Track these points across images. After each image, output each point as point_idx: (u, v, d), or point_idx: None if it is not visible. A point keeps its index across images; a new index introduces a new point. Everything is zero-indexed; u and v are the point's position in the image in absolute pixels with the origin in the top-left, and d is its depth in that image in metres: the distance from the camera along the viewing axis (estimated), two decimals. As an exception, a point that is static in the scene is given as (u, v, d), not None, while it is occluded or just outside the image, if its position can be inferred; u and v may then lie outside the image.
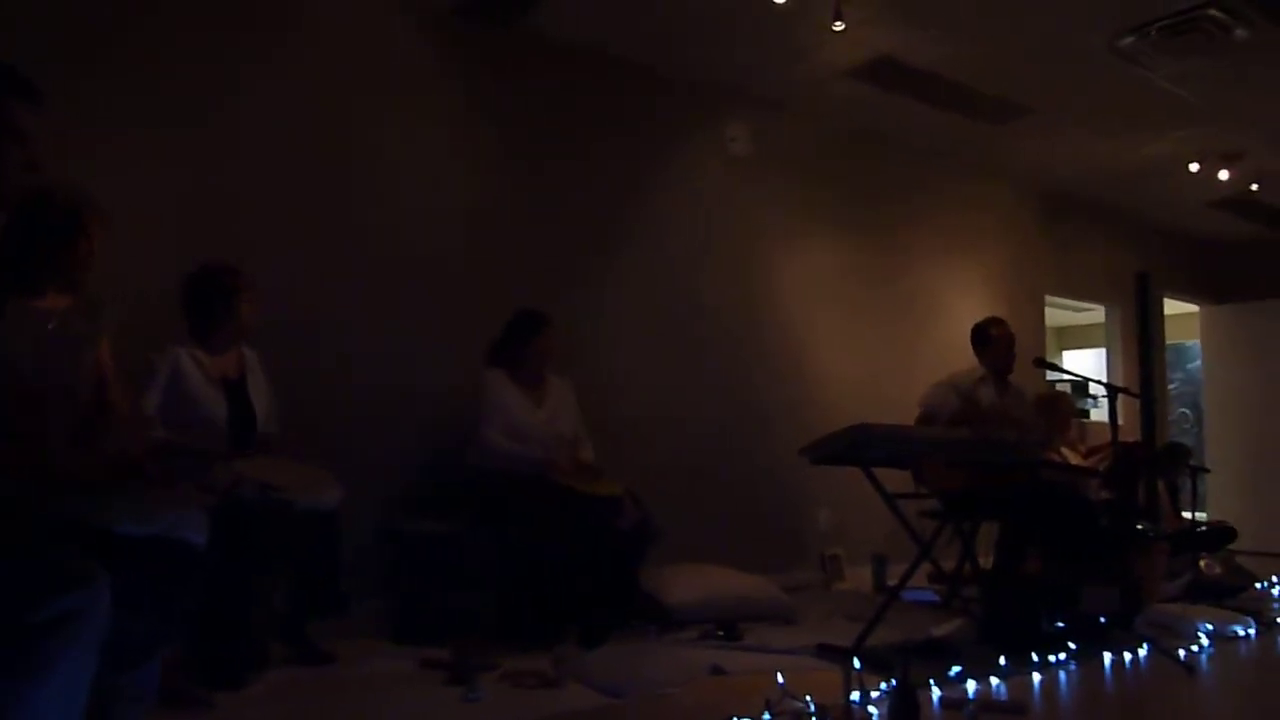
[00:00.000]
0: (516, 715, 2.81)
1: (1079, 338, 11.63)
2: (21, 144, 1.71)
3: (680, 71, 5.20)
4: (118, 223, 3.30)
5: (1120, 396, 4.38)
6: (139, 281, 3.45)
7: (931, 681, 3.16)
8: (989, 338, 4.91)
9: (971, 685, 3.22)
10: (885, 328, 6.22)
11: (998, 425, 4.44)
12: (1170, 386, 9.26)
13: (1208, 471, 6.41)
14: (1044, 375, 5.14)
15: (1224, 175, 6.33)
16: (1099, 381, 4.41)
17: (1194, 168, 6.28)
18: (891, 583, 4.98)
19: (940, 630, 4.07)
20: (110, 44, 3.65)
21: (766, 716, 2.66)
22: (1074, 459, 4.83)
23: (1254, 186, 6.59)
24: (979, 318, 5.56)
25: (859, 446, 3.65)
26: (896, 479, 4.15)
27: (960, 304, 6.59)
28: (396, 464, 4.12)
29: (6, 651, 1.40)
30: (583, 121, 4.96)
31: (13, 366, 2.14)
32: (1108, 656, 3.72)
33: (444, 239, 4.43)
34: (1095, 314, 8.47)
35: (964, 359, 5.17)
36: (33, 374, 2.19)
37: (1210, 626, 4.24)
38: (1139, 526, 4.74)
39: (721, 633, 3.95)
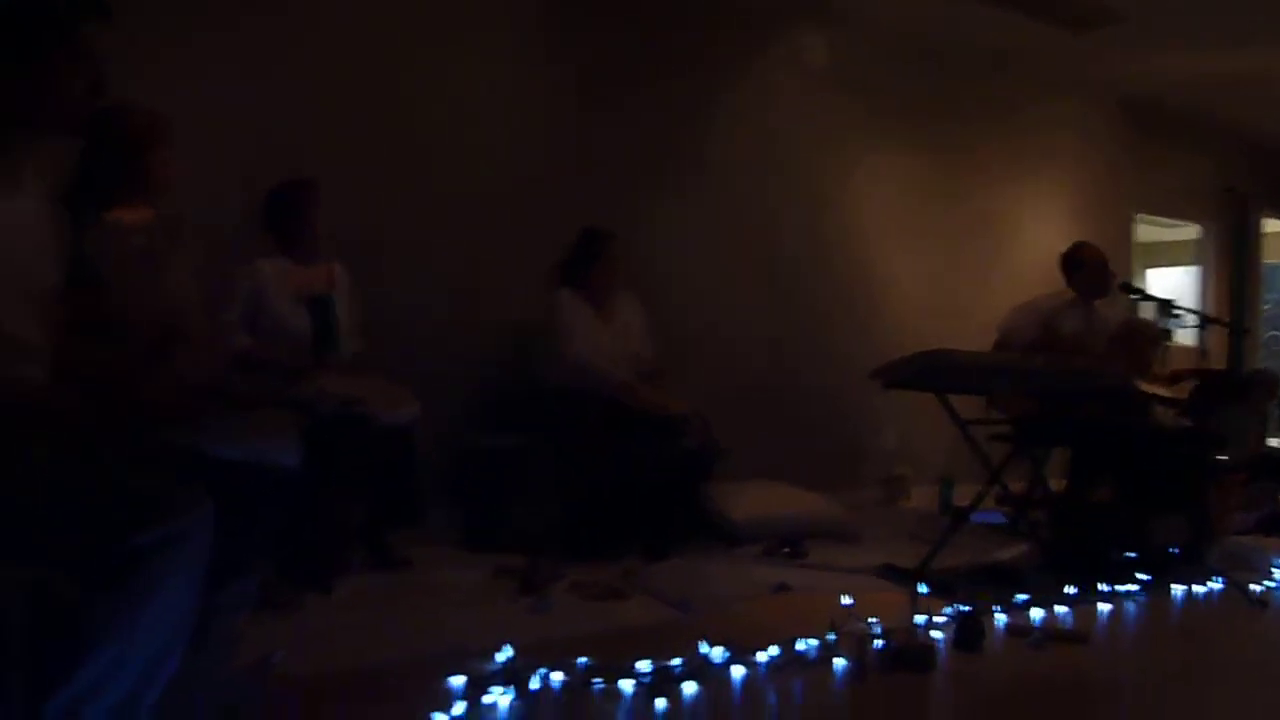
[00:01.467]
0: (587, 626, 2.92)
1: (1167, 254, 11.18)
2: (91, 66, 1.72)
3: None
4: (195, 140, 3.43)
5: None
6: (217, 198, 3.56)
7: (996, 607, 3.20)
8: (1080, 261, 4.78)
9: (1036, 612, 3.25)
10: (958, 248, 6.09)
11: (1075, 355, 4.36)
12: (1264, 307, 8.92)
13: (1293, 403, 6.20)
14: (1129, 300, 4.99)
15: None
16: (1189, 310, 4.27)
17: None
18: (958, 503, 5.00)
19: (1006, 555, 4.09)
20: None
21: (831, 636, 2.73)
22: (1151, 387, 4.72)
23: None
24: (1061, 239, 5.42)
25: (932, 372, 3.64)
26: (966, 400, 4.13)
27: (1039, 224, 6.42)
28: (467, 380, 4.22)
29: (117, 573, 1.49)
30: (652, 41, 4.87)
31: (99, 279, 2.23)
32: (1177, 589, 3.72)
33: (513, 160, 4.44)
34: (1185, 230, 8.16)
35: (1041, 281, 5.06)
36: (118, 288, 2.28)
37: (1285, 560, 4.19)
38: (1216, 456, 4.65)
39: (786, 549, 4.02)
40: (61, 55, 1.68)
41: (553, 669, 2.38)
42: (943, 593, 3.27)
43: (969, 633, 2.88)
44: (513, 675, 2.34)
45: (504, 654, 2.41)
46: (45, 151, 1.85)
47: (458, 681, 2.33)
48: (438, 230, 4.20)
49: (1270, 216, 8.15)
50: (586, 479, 3.89)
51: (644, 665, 2.45)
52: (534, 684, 2.35)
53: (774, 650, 2.63)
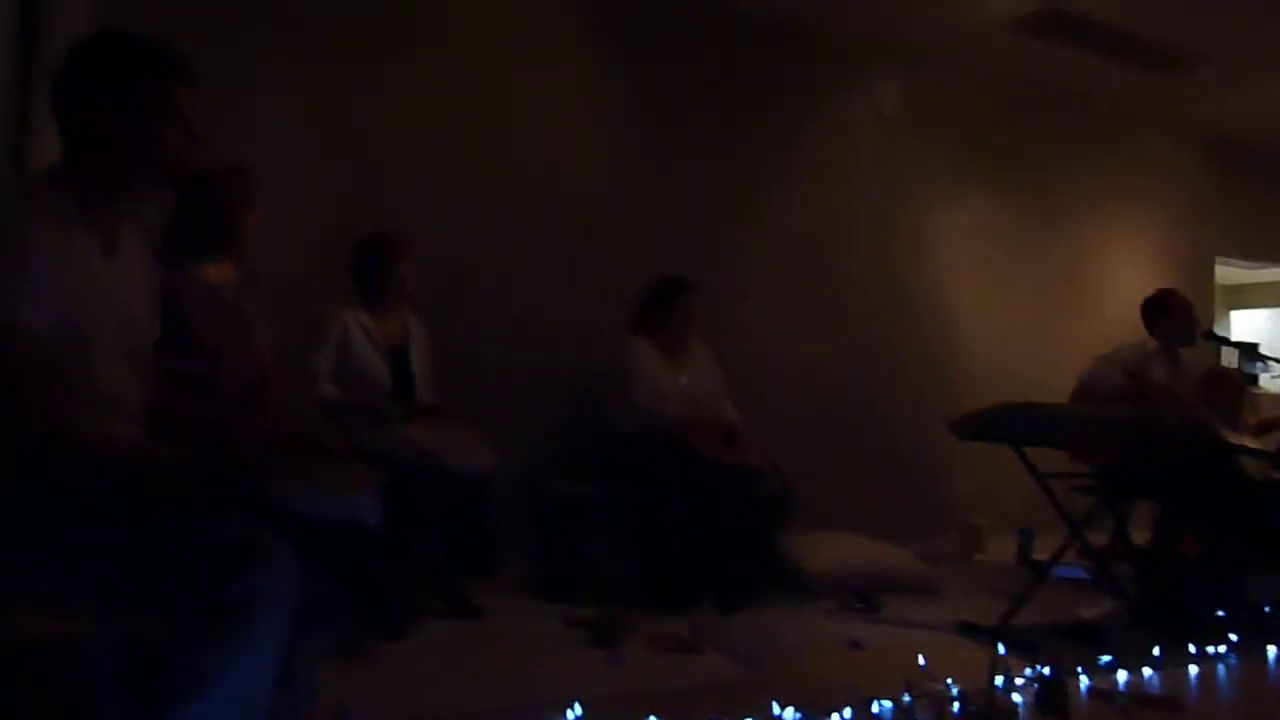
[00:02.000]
0: (658, 681, 2.89)
1: (1253, 296, 10.84)
2: (181, 123, 1.78)
3: (829, 26, 5.05)
4: (281, 194, 3.54)
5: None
6: (302, 251, 3.67)
7: (1080, 669, 3.09)
8: (1165, 308, 4.63)
9: (1123, 675, 3.13)
10: (1039, 293, 5.97)
11: (1164, 405, 4.22)
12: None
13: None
14: (1214, 349, 4.83)
15: None
16: (1273, 358, 4.12)
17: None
18: (1036, 555, 4.85)
19: (1090, 612, 3.95)
20: (262, 14, 3.80)
21: (906, 698, 2.66)
22: (1238, 438, 4.54)
23: None
24: (1142, 284, 5.28)
25: (1009, 423, 3.55)
26: (1045, 451, 4.02)
27: (1123, 269, 6.27)
28: (541, 426, 4.25)
29: (209, 623, 1.53)
30: (729, 82, 4.90)
31: (192, 334, 2.30)
32: (1272, 650, 3.54)
33: (590, 205, 4.49)
34: (1270, 271, 7.89)
35: (1124, 328, 4.91)
36: (212, 340, 2.36)
37: (1390, 622, 3.97)
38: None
39: (860, 604, 3.94)
40: (157, 112, 1.75)
41: (623, 726, 2.36)
42: (1024, 652, 3.16)
43: (1053, 696, 2.77)
44: (584, 732, 2.33)
45: (574, 710, 2.40)
46: (142, 208, 1.93)
47: (529, 738, 2.32)
48: (513, 276, 4.27)
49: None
50: (659, 528, 3.87)
51: (715, 725, 2.41)
52: (605, 742, 2.33)
53: (847, 712, 2.57)
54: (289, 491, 1.76)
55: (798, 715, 2.52)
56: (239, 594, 1.53)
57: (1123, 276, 6.17)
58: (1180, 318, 4.59)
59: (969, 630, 3.61)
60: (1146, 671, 3.19)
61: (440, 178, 4.13)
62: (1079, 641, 3.44)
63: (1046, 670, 2.83)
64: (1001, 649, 2.88)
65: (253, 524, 1.62)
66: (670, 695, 2.73)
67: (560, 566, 3.98)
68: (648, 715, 2.43)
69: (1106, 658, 3.21)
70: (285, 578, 1.58)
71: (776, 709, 2.52)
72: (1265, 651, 3.52)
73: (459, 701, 2.61)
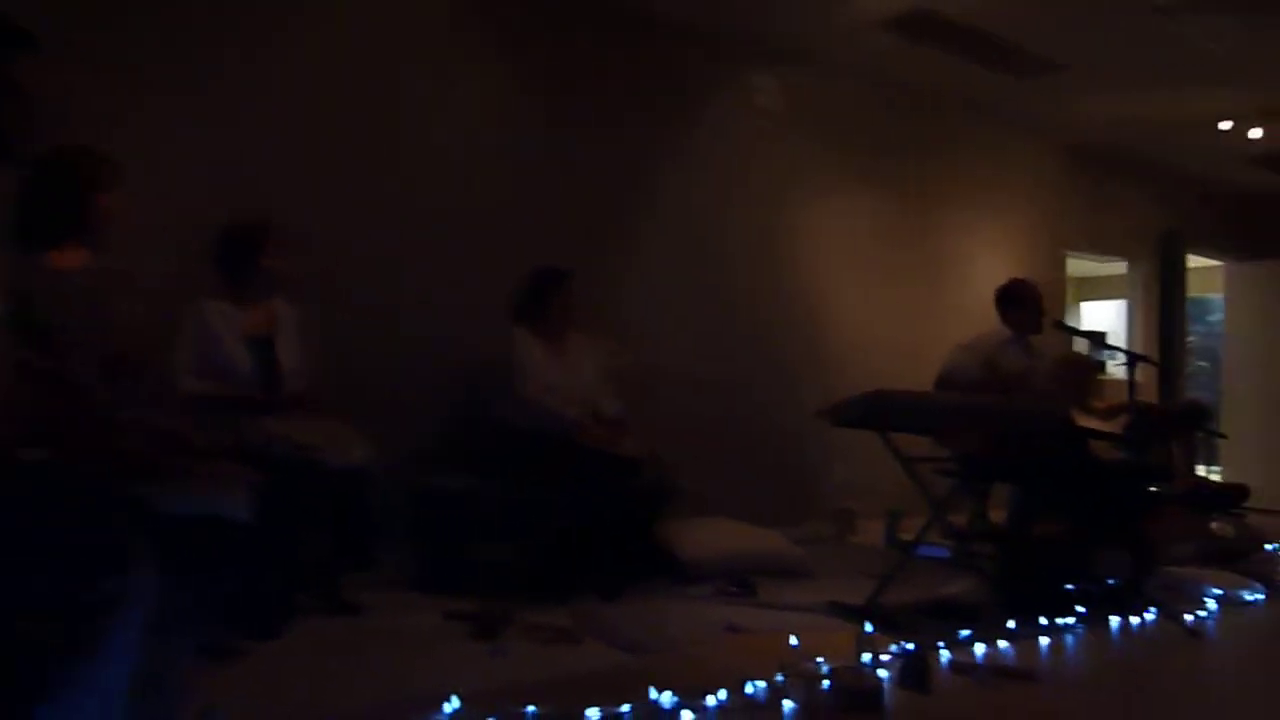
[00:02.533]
0: (538, 671, 2.88)
1: (1099, 289, 11.53)
2: (18, 96, 1.68)
3: (710, 24, 5.11)
4: (154, 180, 3.39)
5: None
6: (171, 237, 3.51)
7: (942, 644, 3.23)
8: (1018, 299, 4.86)
9: (981, 648, 3.29)
10: (910, 285, 6.19)
11: (1017, 392, 4.44)
12: (1189, 339, 9.21)
13: (1224, 437, 6.40)
14: (1065, 338, 5.11)
15: (1256, 133, 6.22)
16: (1119, 349, 4.39)
17: (1225, 125, 6.16)
18: (903, 536, 5.06)
19: (951, 589, 4.13)
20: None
21: (780, 678, 2.73)
22: (1090, 422, 4.83)
23: (1287, 145, 6.47)
24: (1003, 275, 5.52)
25: (877, 412, 3.68)
26: (913, 438, 4.18)
27: (985, 261, 6.55)
28: (420, 419, 4.18)
29: (60, 630, 1.46)
30: (614, 76, 4.90)
31: (43, 323, 2.18)
32: (1116, 620, 3.78)
33: (476, 195, 4.43)
34: (1116, 265, 8.40)
35: (984, 318, 5.15)
36: (62, 330, 2.23)
37: (1219, 591, 4.30)
38: (1152, 489, 4.77)
39: (736, 588, 4.02)
40: None
41: (500, 719, 2.35)
42: (889, 629, 3.29)
43: (915, 671, 2.90)
44: (462, 727, 2.32)
45: (451, 704, 2.38)
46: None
47: (406, 734, 2.29)
48: (397, 266, 4.17)
49: (1195, 253, 8.42)
50: (540, 520, 3.87)
51: (593, 713, 2.43)
52: (483, 735, 2.32)
53: (723, 694, 2.62)
54: (153, 489, 1.69)
55: (675, 700, 2.56)
56: (95, 597, 1.47)
57: (983, 268, 6.46)
58: (1029, 306, 4.83)
59: (839, 610, 3.73)
60: (1003, 644, 3.37)
61: (323, 165, 4.00)
62: (941, 618, 3.59)
63: (910, 646, 2.96)
64: (869, 627, 2.99)
65: (110, 525, 1.56)
66: (550, 685, 2.73)
67: (440, 560, 3.93)
68: (527, 706, 2.43)
69: (966, 632, 3.38)
70: (144, 579, 1.53)
71: (655, 694, 2.55)
72: (1109, 622, 3.77)
73: (335, 700, 2.56)
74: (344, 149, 4.06)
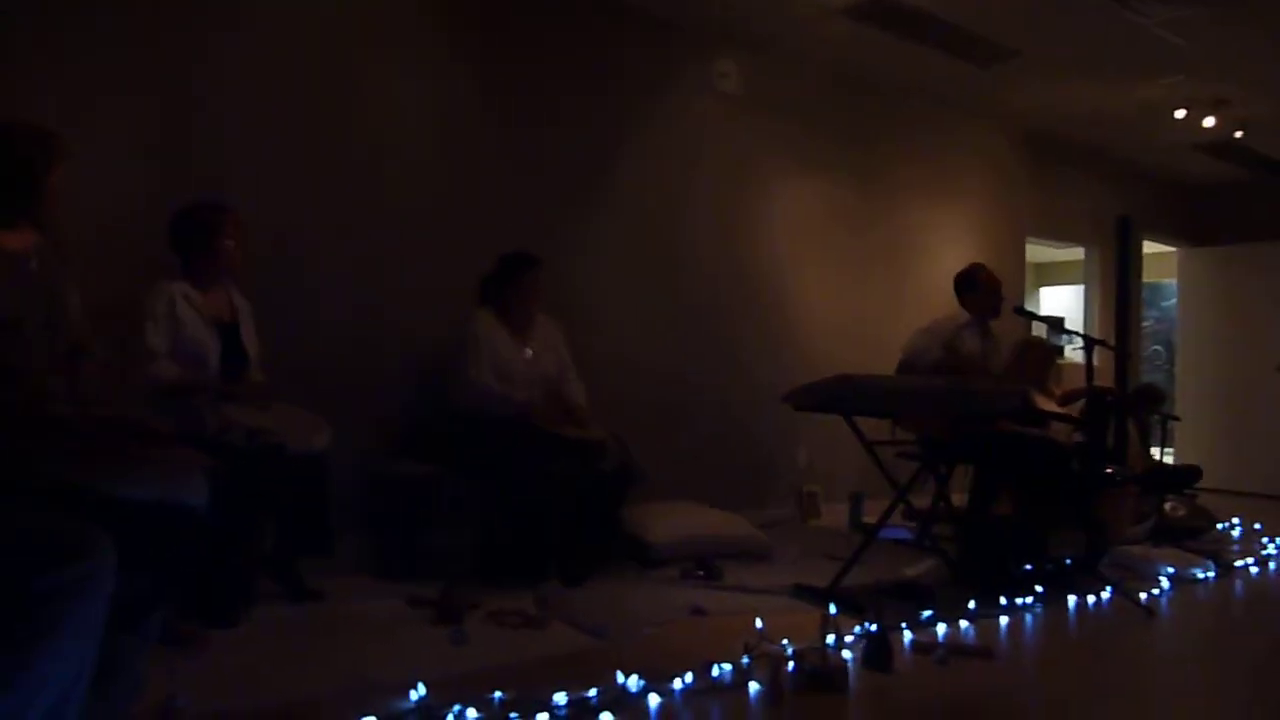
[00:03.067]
0: (503, 656, 2.88)
1: (1058, 274, 11.71)
2: None
3: (669, 10, 5.08)
4: (99, 160, 3.30)
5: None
6: (119, 219, 3.44)
7: (904, 625, 3.28)
8: (976, 283, 4.91)
9: (941, 628, 3.34)
10: (869, 269, 6.23)
11: (975, 374, 4.50)
12: (1145, 324, 9.38)
13: (1177, 419, 6.54)
14: (1025, 323, 5.18)
15: (1209, 122, 6.30)
16: (1077, 333, 4.46)
17: (1179, 114, 6.25)
18: (866, 519, 5.11)
19: (913, 570, 4.18)
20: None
21: (746, 660, 2.75)
22: (1049, 405, 4.90)
23: (1238, 134, 6.57)
24: (962, 261, 5.59)
25: (840, 396, 3.70)
26: (875, 421, 4.22)
27: (944, 247, 6.61)
28: (381, 405, 4.14)
29: (13, 619, 1.43)
30: (574, 62, 4.85)
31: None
32: (1072, 599, 3.86)
33: (429, 181, 4.37)
34: (1075, 251, 8.52)
35: (947, 302, 5.20)
36: (12, 312, 2.17)
37: (1172, 569, 4.39)
38: (1107, 470, 4.85)
39: (701, 572, 4.04)
40: None
41: (467, 705, 2.34)
42: (853, 611, 3.33)
43: (878, 652, 2.93)
44: (426, 713, 2.30)
45: (417, 692, 2.36)
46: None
47: (369, 721, 2.28)
48: (349, 251, 4.10)
49: (1151, 240, 8.56)
50: (502, 505, 3.85)
51: (560, 697, 2.43)
52: (448, 721, 2.31)
53: (689, 677, 2.63)
54: (107, 475, 1.65)
55: (641, 683, 2.56)
56: (48, 586, 1.44)
57: (942, 253, 6.52)
58: (987, 291, 4.89)
59: (803, 592, 3.76)
60: (963, 624, 3.42)
61: (282, 150, 3.93)
62: (903, 598, 3.64)
63: (873, 627, 2.99)
64: (833, 609, 3.01)
65: (62, 512, 1.52)
66: (516, 669, 2.73)
67: (402, 546, 3.90)
68: (493, 691, 2.43)
69: (927, 613, 3.42)
70: (98, 568, 1.49)
71: (621, 678, 2.56)
72: (1066, 601, 3.83)
73: (296, 687, 2.53)
74: (301, 134, 3.99)
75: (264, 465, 3.02)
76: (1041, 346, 5.05)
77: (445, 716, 2.31)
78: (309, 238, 3.99)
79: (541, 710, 2.38)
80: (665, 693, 2.56)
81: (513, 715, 2.36)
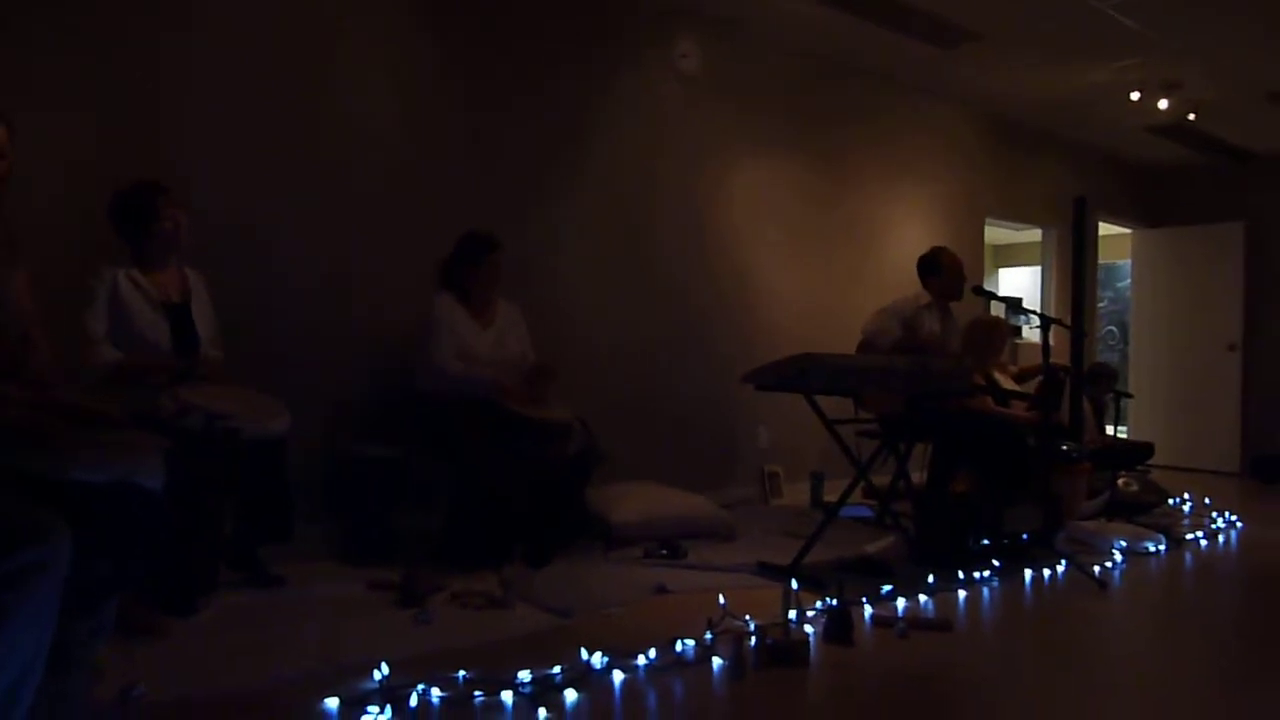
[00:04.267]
0: (467, 637, 2.88)
1: (1015, 255, 11.86)
2: None
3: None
4: (52, 143, 3.24)
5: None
6: (72, 203, 3.38)
7: (864, 599, 3.33)
8: (939, 266, 4.99)
9: (901, 602, 3.39)
10: (830, 251, 6.27)
11: (936, 354, 4.56)
12: (1100, 304, 9.54)
13: (1130, 397, 6.67)
14: (983, 301, 5.27)
15: (1164, 104, 6.41)
16: (1034, 312, 4.54)
17: (1135, 96, 6.35)
18: (828, 498, 5.17)
19: (873, 547, 4.23)
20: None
21: (709, 636, 2.78)
22: (1006, 382, 4.99)
23: (1191, 116, 6.68)
24: (923, 242, 5.66)
25: (801, 375, 3.74)
26: (835, 400, 4.27)
27: (905, 228, 6.67)
28: (343, 387, 4.11)
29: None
30: (536, 42, 4.82)
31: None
32: (1028, 573, 3.94)
33: (390, 161, 4.33)
34: (1032, 232, 8.63)
35: (907, 282, 5.26)
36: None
37: (1124, 543, 4.50)
38: (1063, 447, 4.95)
39: (665, 551, 4.07)
40: None
41: (432, 685, 2.35)
42: (814, 587, 3.37)
43: (839, 626, 2.98)
44: (390, 693, 2.30)
45: (381, 671, 2.37)
46: None
47: (332, 703, 2.27)
48: (309, 231, 4.06)
49: (1106, 220, 8.70)
50: (466, 486, 3.85)
51: (524, 675, 2.44)
52: (413, 701, 2.31)
53: (653, 653, 2.66)
54: (61, 458, 1.63)
55: (605, 660, 2.59)
56: (1, 572, 1.42)
57: (904, 235, 6.59)
58: (951, 274, 4.97)
59: (766, 570, 3.81)
60: (922, 598, 3.48)
61: (242, 129, 3.87)
62: (864, 574, 3.70)
63: (834, 602, 3.04)
64: (795, 585, 3.05)
65: (15, 497, 1.50)
66: (480, 650, 2.74)
67: (364, 530, 3.88)
68: (457, 671, 2.44)
69: (887, 588, 3.48)
70: (53, 552, 1.48)
71: (586, 655, 2.58)
72: (1022, 575, 3.92)
73: (258, 673, 2.52)
74: (262, 113, 3.93)
75: (222, 449, 2.99)
76: (999, 324, 5.13)
77: (409, 696, 2.31)
78: (269, 217, 3.94)
79: (505, 688, 2.40)
80: (629, 669, 2.59)
81: (477, 694, 2.37)
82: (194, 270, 3.43)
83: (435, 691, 2.34)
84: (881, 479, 4.64)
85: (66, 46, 3.48)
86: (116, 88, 3.60)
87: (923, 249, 5.26)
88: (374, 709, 2.24)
